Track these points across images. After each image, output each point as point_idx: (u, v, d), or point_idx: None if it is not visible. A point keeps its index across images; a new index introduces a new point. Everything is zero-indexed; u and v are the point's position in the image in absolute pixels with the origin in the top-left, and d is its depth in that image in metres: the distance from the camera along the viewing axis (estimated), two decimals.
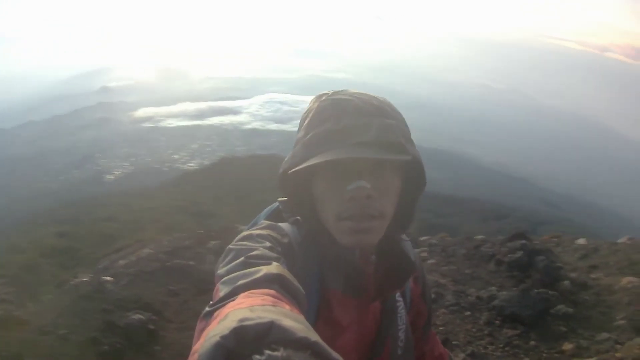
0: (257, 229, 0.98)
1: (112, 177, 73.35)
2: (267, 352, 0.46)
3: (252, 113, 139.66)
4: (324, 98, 1.01)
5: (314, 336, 0.51)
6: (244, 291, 0.67)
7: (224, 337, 0.48)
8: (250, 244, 0.89)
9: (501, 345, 4.14)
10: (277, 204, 1.18)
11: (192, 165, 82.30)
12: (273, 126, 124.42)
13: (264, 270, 0.73)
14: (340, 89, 1.04)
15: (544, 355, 4.01)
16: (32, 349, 5.00)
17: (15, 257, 24.57)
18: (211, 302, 0.68)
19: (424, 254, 7.03)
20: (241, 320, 0.51)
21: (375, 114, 0.96)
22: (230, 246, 0.90)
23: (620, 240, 7.19)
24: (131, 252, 7.70)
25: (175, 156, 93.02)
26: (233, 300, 0.64)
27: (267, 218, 1.16)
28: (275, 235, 0.97)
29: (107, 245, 20.00)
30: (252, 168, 53.62)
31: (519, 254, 5.81)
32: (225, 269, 0.80)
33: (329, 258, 1.01)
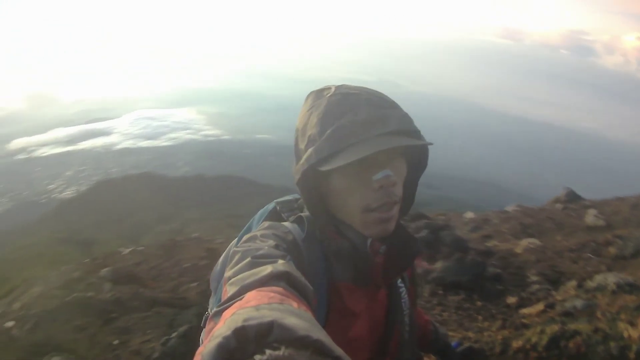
0: (260, 230, 1.00)
1: None
2: (269, 351, 0.46)
3: (122, 132, 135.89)
4: (331, 93, 1.01)
5: (316, 334, 0.50)
6: (251, 290, 0.67)
7: (225, 338, 0.48)
8: (255, 244, 0.90)
9: (453, 311, 4.15)
10: (272, 204, 1.22)
11: (68, 193, 79.08)
12: (144, 143, 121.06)
13: (270, 268, 0.73)
14: (339, 84, 1.06)
15: (494, 311, 4.07)
16: None
17: None
18: (219, 303, 0.68)
19: None
20: (245, 320, 0.51)
21: (388, 106, 0.99)
22: (235, 249, 0.89)
23: (508, 208, 7.44)
24: (22, 293, 7.35)
25: (52, 186, 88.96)
26: (240, 299, 0.64)
27: (266, 219, 1.18)
28: (279, 234, 0.98)
29: None
30: (127, 189, 53.59)
31: (425, 232, 5.83)
32: (232, 270, 0.79)
33: (335, 250, 1.03)
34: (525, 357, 2.45)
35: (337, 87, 1.03)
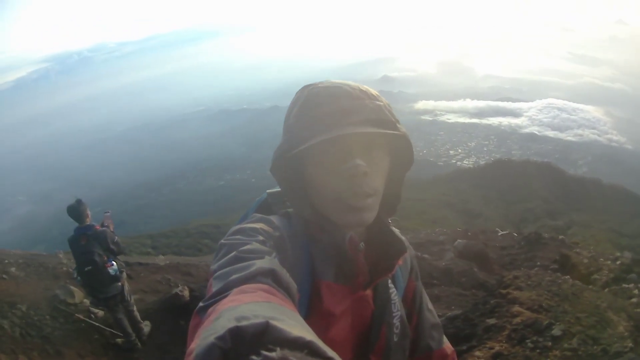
0: (249, 223, 0.99)
1: None
2: (264, 352, 0.45)
3: (530, 117, 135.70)
4: (312, 87, 1.04)
5: (309, 335, 0.50)
6: (237, 286, 0.66)
7: (219, 338, 0.47)
8: (242, 237, 0.89)
9: None
10: (265, 195, 1.22)
11: (467, 162, 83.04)
12: (550, 133, 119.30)
13: (257, 264, 0.73)
14: (323, 80, 1.07)
15: None
16: None
17: None
18: (205, 298, 0.67)
19: None
20: (237, 319, 0.50)
21: (366, 97, 0.99)
22: (222, 241, 0.90)
23: None
24: None
25: (452, 152, 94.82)
26: (226, 296, 0.64)
27: (257, 211, 1.18)
28: (267, 229, 0.97)
29: None
30: (525, 174, 53.07)
31: None
32: (218, 264, 0.79)
33: (320, 248, 1.04)
34: None
35: (320, 82, 1.06)
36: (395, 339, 1.14)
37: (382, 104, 1.02)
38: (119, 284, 5.19)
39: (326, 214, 1.03)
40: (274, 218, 1.05)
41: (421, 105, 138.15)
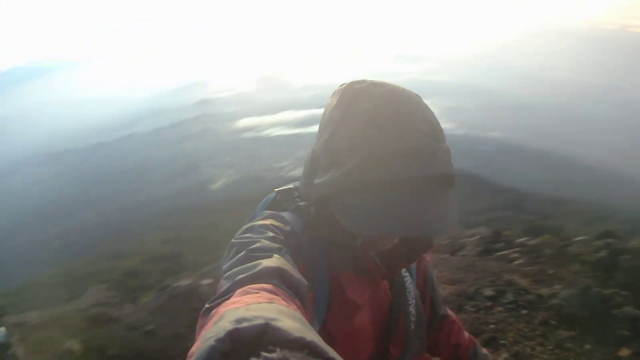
0: (259, 220, 0.97)
1: (216, 185, 74.57)
2: (264, 354, 0.45)
3: None
4: (370, 103, 0.88)
5: (310, 335, 0.50)
6: (242, 286, 0.66)
7: (219, 340, 0.47)
8: (252, 235, 0.88)
9: (551, 347, 3.80)
10: (274, 194, 1.17)
11: (296, 173, 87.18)
12: None
13: (263, 263, 0.72)
14: (377, 84, 0.92)
15: (598, 359, 3.62)
16: (116, 342, 5.22)
17: (121, 263, 25.90)
18: (210, 299, 0.67)
19: (515, 255, 6.99)
20: (237, 321, 0.50)
21: (431, 132, 0.86)
22: (233, 240, 0.89)
23: None
24: None
25: (280, 164, 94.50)
26: (229, 297, 0.64)
27: (266, 209, 1.13)
28: (277, 224, 0.95)
29: (211, 252, 19.94)
30: None
31: (603, 252, 5.40)
32: (228, 263, 0.79)
33: (336, 242, 1.00)
34: None
35: (377, 95, 0.89)
36: (413, 327, 1.16)
37: (446, 147, 0.89)
38: None
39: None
40: (284, 214, 1.03)
41: (243, 123, 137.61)
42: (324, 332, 0.95)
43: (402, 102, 0.87)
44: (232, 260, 0.79)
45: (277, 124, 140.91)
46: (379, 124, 0.84)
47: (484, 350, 1.45)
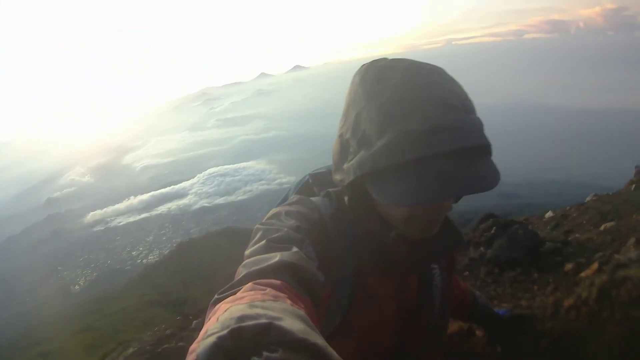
0: (286, 205, 0.96)
1: (78, 287, 73.54)
2: (266, 353, 0.44)
3: (196, 192, 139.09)
4: (395, 80, 0.82)
5: (314, 337, 0.48)
6: (252, 279, 0.65)
7: (221, 338, 0.46)
8: (276, 222, 0.87)
9: (508, 285, 4.03)
10: (307, 177, 1.16)
11: (152, 257, 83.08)
12: (220, 200, 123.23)
13: (278, 257, 0.71)
14: (394, 58, 0.89)
15: (550, 280, 3.90)
16: None
17: None
18: (221, 290, 0.66)
19: None
20: (240, 318, 0.49)
21: (461, 106, 0.80)
22: (258, 225, 0.88)
23: (586, 200, 7.32)
24: (118, 355, 7.51)
25: (135, 252, 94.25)
26: (235, 292, 0.62)
27: (298, 192, 1.14)
28: (304, 211, 0.94)
29: (92, 356, 19.75)
30: (210, 246, 54.59)
31: (494, 229, 5.52)
32: (250, 250, 0.78)
33: (368, 232, 0.96)
34: (577, 314, 2.30)
35: (400, 70, 0.84)
36: (436, 320, 1.14)
37: (476, 118, 0.83)
38: None
39: (393, 223, 0.92)
40: (314, 199, 1.01)
41: (90, 217, 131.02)
42: (344, 325, 0.95)
43: (427, 76, 0.83)
44: (253, 247, 0.79)
45: (124, 212, 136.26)
46: (406, 100, 0.79)
47: (482, 297, 1.57)
